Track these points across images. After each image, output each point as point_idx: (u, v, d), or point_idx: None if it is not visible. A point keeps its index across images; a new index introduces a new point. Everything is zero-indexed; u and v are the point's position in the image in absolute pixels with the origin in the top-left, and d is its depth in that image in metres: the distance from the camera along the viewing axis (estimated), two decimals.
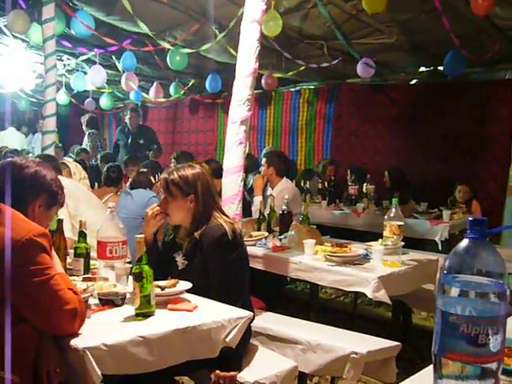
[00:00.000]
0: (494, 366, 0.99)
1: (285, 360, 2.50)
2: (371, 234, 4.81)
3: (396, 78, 6.64)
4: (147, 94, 7.55)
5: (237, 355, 2.27)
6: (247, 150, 3.16)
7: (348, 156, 7.01)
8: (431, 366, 1.50)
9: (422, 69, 6.34)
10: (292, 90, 7.80)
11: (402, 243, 3.35)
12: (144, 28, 4.91)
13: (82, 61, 6.83)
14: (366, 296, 2.96)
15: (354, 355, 2.46)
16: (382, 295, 2.88)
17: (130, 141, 7.71)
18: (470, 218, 1.04)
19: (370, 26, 5.14)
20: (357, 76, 6.09)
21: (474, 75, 6.01)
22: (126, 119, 7.86)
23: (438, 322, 1.02)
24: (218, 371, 2.20)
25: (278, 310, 3.34)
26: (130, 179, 4.58)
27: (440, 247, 4.90)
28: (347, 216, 5.69)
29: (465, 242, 1.04)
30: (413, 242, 3.86)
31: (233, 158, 3.11)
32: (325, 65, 5.90)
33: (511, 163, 5.87)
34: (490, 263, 1.01)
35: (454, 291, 1.01)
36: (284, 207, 3.90)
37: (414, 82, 6.68)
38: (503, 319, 0.99)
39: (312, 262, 3.24)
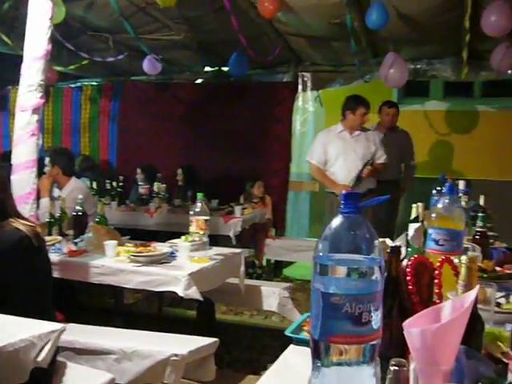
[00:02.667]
0: (375, 343, 0.96)
1: (99, 373, 2.25)
2: (164, 233, 4.73)
3: (182, 76, 6.66)
4: None
5: (46, 375, 1.97)
6: (40, 143, 2.79)
7: (136, 155, 6.78)
8: (289, 351, 1.47)
9: (208, 68, 6.46)
10: (72, 85, 7.28)
11: (207, 239, 3.33)
12: None
13: None
14: (169, 296, 2.85)
15: (175, 357, 2.34)
16: (194, 292, 2.80)
17: None
18: (344, 192, 1.01)
19: (158, 21, 5.04)
20: (142, 73, 5.96)
21: (255, 77, 6.32)
22: None
23: (318, 305, 0.96)
24: None
25: (78, 320, 3.03)
26: None
27: (234, 241, 5.04)
28: (139, 216, 5.53)
29: (339, 219, 1.00)
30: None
31: (24, 151, 2.72)
32: (110, 59, 5.63)
33: (291, 160, 6.32)
34: (364, 238, 0.98)
35: (333, 271, 0.96)
36: (78, 208, 3.59)
37: (199, 81, 6.77)
38: (381, 294, 0.97)
39: (116, 264, 3.02)
